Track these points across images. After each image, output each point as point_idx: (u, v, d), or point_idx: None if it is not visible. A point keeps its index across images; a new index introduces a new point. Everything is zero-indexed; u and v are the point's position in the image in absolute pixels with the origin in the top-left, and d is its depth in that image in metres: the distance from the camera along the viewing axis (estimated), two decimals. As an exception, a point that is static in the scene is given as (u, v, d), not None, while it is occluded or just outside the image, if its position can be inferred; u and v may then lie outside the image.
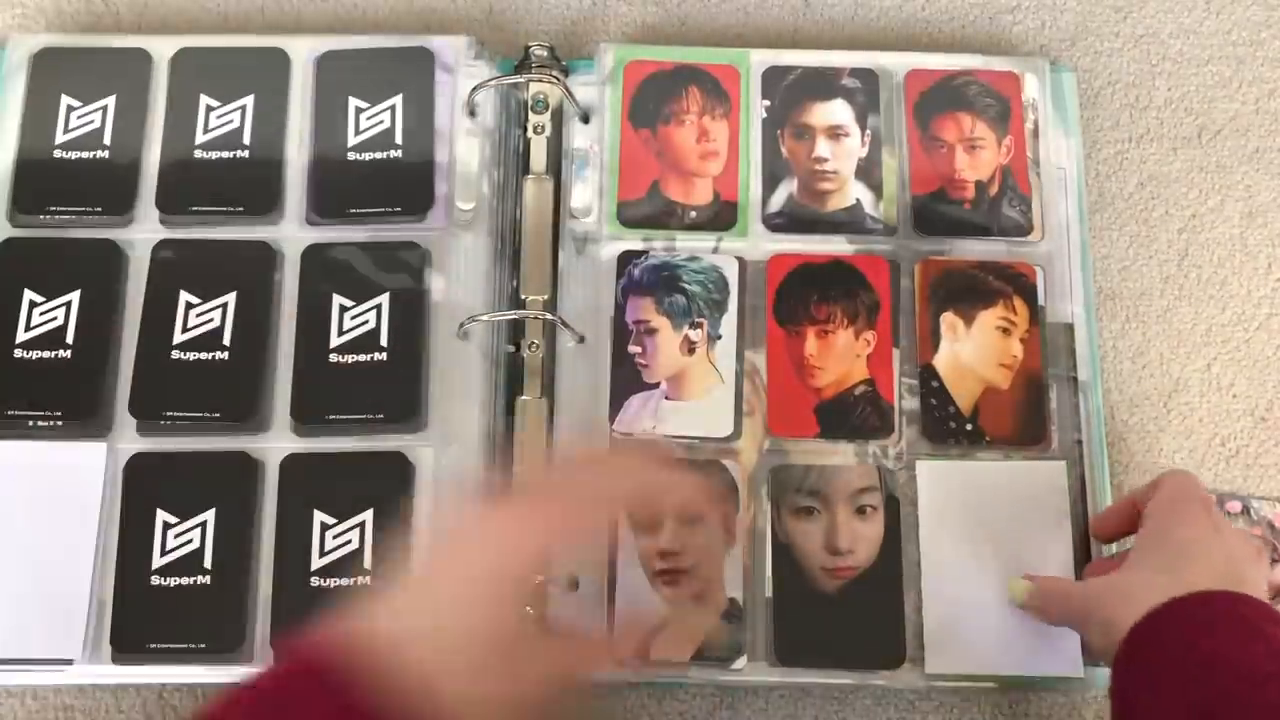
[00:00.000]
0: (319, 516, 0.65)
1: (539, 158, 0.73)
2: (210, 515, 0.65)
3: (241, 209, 0.71)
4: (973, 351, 0.69)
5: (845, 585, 0.65)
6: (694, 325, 0.70)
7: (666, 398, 0.68)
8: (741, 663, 0.64)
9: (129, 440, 0.67)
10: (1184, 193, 0.76)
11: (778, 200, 0.72)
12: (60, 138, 0.72)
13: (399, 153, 0.72)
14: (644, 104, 0.74)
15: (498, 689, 0.48)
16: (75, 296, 0.69)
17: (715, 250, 0.71)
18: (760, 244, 0.71)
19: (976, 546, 0.65)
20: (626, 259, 0.71)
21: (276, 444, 0.67)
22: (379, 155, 0.72)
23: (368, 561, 0.64)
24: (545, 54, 0.74)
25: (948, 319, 0.70)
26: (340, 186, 0.71)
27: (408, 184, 0.71)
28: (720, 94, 0.74)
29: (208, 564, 0.64)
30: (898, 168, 0.73)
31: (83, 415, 0.67)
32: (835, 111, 0.74)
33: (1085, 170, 0.74)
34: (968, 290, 0.70)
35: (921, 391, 0.68)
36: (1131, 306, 0.73)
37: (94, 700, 0.65)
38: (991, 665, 0.64)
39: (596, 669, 0.58)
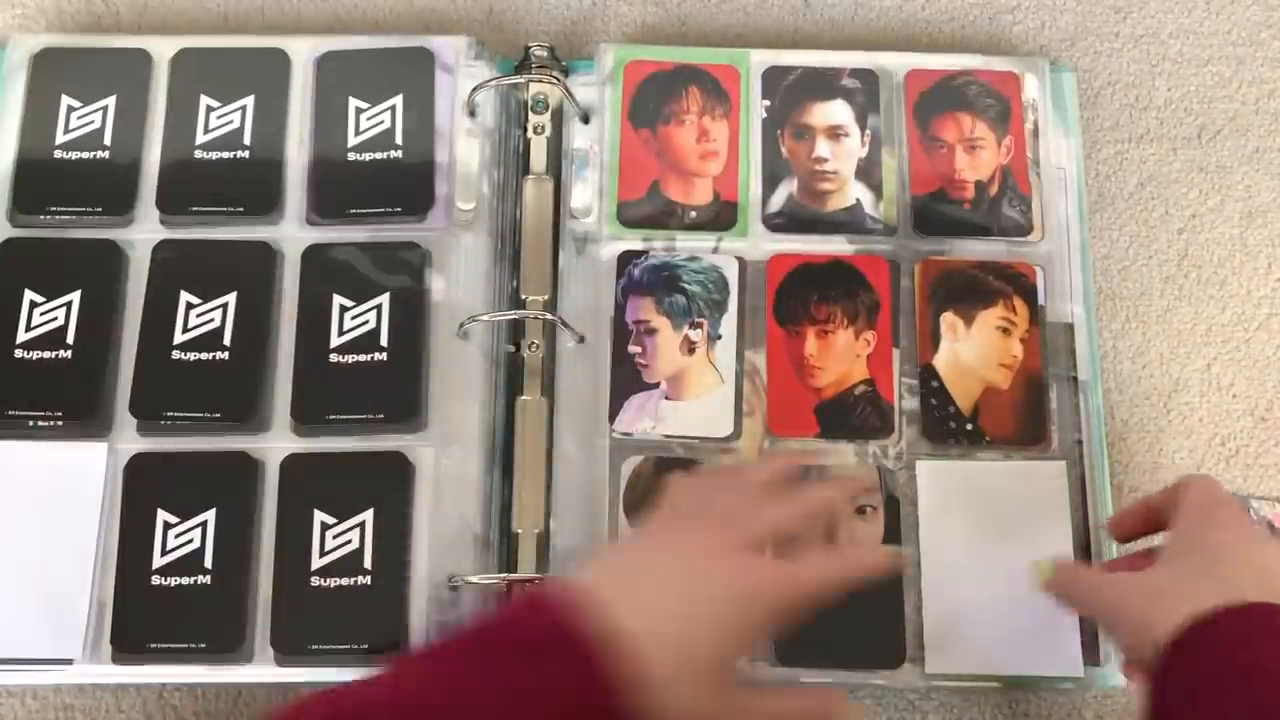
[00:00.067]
0: (319, 516, 0.65)
1: (539, 158, 0.73)
2: (210, 515, 0.65)
3: (242, 209, 0.71)
4: (973, 351, 0.69)
5: (846, 585, 0.65)
6: (694, 325, 0.70)
7: (666, 398, 0.68)
8: (741, 662, 0.64)
9: (129, 440, 0.67)
10: (1184, 193, 0.76)
11: (778, 200, 0.72)
12: (60, 138, 0.72)
13: (399, 153, 0.72)
14: (644, 104, 0.74)
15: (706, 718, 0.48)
16: (76, 297, 0.69)
17: (715, 250, 0.71)
18: (760, 244, 0.71)
19: (976, 546, 0.65)
20: (626, 259, 0.71)
21: (277, 444, 0.67)
22: (379, 155, 0.72)
23: (368, 561, 0.64)
24: (545, 54, 0.74)
25: (948, 319, 0.70)
26: (340, 187, 0.71)
27: (408, 184, 0.71)
28: (720, 94, 0.74)
29: (208, 564, 0.64)
30: (898, 168, 0.73)
31: (83, 415, 0.67)
32: (835, 111, 0.74)
33: (1085, 170, 0.74)
34: (968, 290, 0.70)
35: (921, 391, 0.68)
36: (1131, 306, 0.73)
37: (94, 700, 0.65)
38: (992, 665, 0.64)
39: None
